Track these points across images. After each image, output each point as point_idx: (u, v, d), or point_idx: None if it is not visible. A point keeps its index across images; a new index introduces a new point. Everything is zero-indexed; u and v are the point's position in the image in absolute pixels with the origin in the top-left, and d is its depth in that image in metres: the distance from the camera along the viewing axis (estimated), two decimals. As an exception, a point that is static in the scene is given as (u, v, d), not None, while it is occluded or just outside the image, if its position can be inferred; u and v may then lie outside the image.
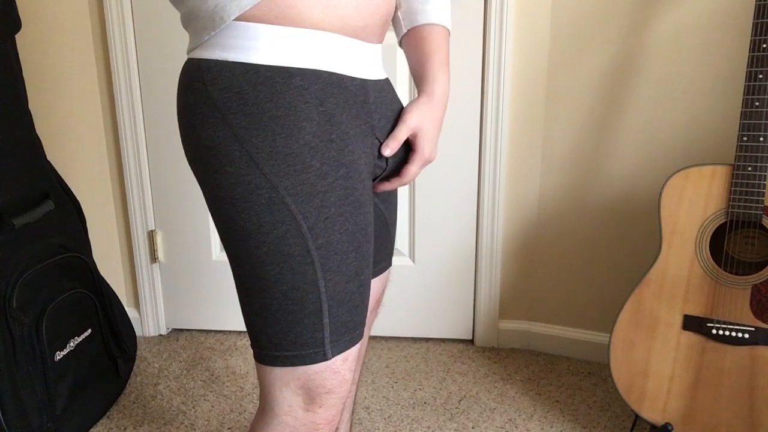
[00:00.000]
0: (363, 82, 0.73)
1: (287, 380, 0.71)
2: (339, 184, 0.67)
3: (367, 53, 0.74)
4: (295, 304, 0.68)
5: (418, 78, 0.86)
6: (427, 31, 0.86)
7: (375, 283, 0.96)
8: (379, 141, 0.77)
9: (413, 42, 0.87)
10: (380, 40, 0.77)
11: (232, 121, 0.65)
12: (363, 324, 0.74)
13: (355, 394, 1.11)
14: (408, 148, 0.83)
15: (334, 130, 0.68)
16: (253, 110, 0.65)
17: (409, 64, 0.89)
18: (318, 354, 0.69)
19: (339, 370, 0.72)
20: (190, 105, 0.68)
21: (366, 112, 0.73)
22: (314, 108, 0.66)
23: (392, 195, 0.92)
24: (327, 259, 0.67)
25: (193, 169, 0.71)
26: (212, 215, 0.71)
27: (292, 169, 0.65)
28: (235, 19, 0.65)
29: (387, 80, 0.82)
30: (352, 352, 0.73)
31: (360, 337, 0.74)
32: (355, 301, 0.71)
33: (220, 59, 0.66)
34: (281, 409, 0.72)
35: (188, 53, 0.71)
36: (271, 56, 0.65)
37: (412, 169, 0.82)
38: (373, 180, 0.81)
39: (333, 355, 0.70)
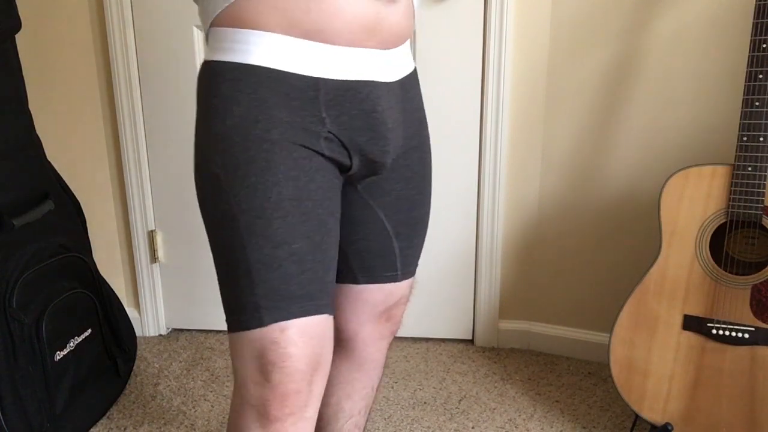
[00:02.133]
0: (315, 81, 0.76)
1: (237, 347, 0.77)
2: (261, 157, 0.74)
3: (326, 54, 0.76)
4: (230, 265, 0.76)
5: None
6: None
7: (373, 291, 0.96)
8: (336, 136, 0.79)
9: None
10: (362, 44, 0.78)
11: (197, 110, 0.79)
12: (310, 299, 0.76)
13: (363, 427, 1.10)
14: (370, 141, 0.83)
15: (263, 112, 0.74)
16: (203, 100, 0.77)
17: None
18: (254, 319, 0.74)
19: (278, 340, 0.74)
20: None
21: (315, 107, 0.77)
22: (246, 95, 0.74)
23: (400, 208, 0.92)
24: (251, 223, 0.74)
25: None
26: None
27: (221, 146, 0.74)
28: (212, 26, 0.78)
29: (368, 82, 0.81)
30: (295, 326, 0.75)
31: (307, 313, 0.76)
32: (289, 270, 0.75)
33: (205, 60, 0.79)
34: (238, 379, 0.78)
35: None
36: (220, 54, 0.76)
37: None
38: (343, 175, 0.84)
39: (268, 323, 0.74)
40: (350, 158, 0.82)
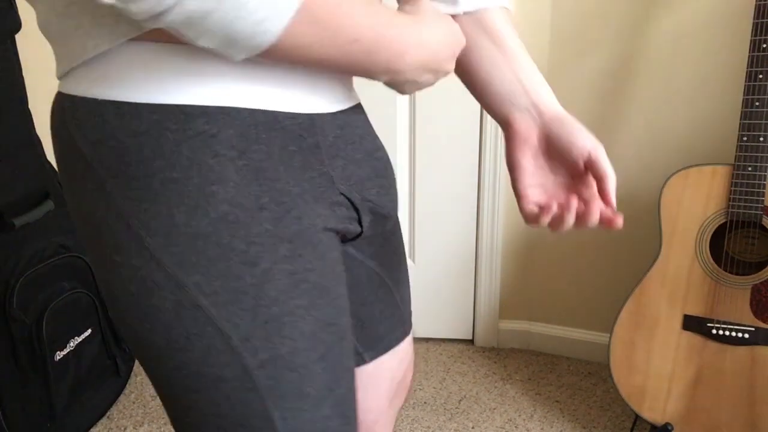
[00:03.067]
0: (311, 119, 0.52)
1: None
2: (281, 270, 0.48)
3: (317, 78, 0.53)
4: None
5: (499, 97, 0.65)
6: (485, 19, 0.64)
7: (384, 362, 0.73)
8: (346, 197, 0.55)
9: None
10: None
11: (112, 188, 0.46)
12: None
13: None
14: (384, 184, 0.62)
15: (265, 191, 0.48)
16: (138, 172, 0.45)
17: (467, 82, 0.67)
18: None
19: None
20: (62, 159, 0.49)
21: (319, 160, 0.52)
22: (230, 162, 0.46)
23: (390, 250, 0.69)
24: (278, 379, 0.48)
25: (87, 256, 0.54)
26: (112, 318, 0.51)
27: (203, 258, 0.45)
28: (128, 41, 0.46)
29: (353, 108, 0.60)
30: None
31: None
32: (335, 428, 0.52)
33: (87, 96, 0.46)
34: None
35: (59, 78, 0.50)
36: (158, 90, 0.45)
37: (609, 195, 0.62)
38: (343, 243, 0.61)
39: None
40: (360, 222, 0.58)
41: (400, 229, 0.72)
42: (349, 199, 0.56)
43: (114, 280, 0.48)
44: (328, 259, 0.52)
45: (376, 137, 0.63)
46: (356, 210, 0.57)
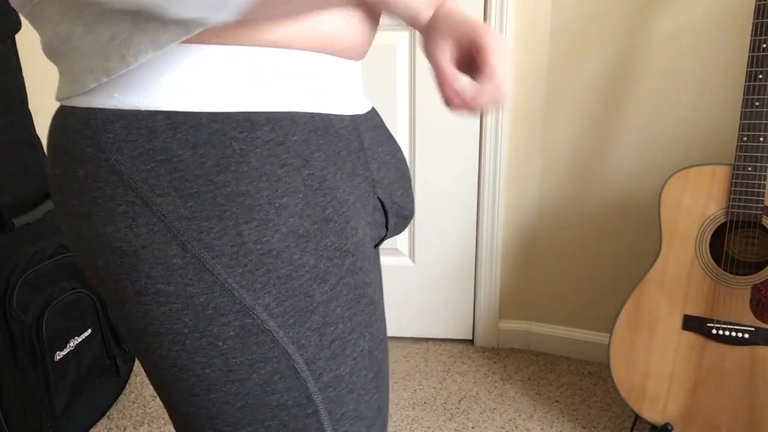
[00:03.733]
0: (354, 121, 0.50)
1: None
2: (346, 284, 0.45)
3: (355, 76, 0.52)
4: None
5: None
6: None
7: None
8: (381, 202, 0.53)
9: None
10: (363, 56, 0.54)
11: (161, 207, 0.40)
12: None
13: None
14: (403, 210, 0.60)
15: (329, 201, 0.45)
16: (197, 188, 0.40)
17: None
18: None
19: None
20: (79, 183, 0.43)
21: (363, 164, 0.50)
22: (297, 172, 0.43)
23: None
24: (338, 402, 0.45)
25: (99, 289, 0.45)
26: (140, 359, 0.45)
27: (274, 276, 0.42)
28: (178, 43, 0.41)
29: (374, 110, 0.59)
30: None
31: None
32: None
33: (126, 108, 0.41)
34: None
35: (60, 100, 0.44)
36: (217, 96, 0.41)
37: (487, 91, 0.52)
38: None
39: None
40: (387, 225, 0.56)
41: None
42: (382, 203, 0.54)
43: (157, 312, 0.42)
44: (377, 270, 0.49)
45: (395, 138, 0.61)
46: (385, 213, 0.55)
